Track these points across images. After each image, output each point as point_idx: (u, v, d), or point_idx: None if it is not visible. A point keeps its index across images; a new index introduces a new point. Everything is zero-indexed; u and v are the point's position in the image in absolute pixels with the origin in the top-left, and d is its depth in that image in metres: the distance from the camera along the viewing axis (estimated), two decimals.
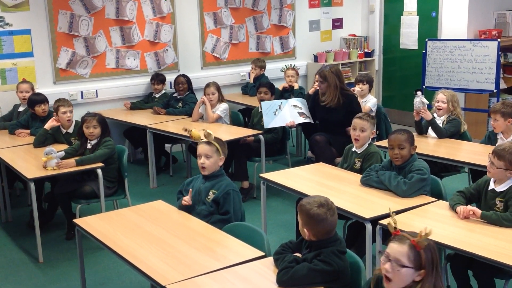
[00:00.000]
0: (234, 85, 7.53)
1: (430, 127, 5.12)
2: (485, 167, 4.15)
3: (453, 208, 3.39)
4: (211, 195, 3.61)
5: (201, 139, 3.72)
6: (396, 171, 3.84)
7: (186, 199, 3.62)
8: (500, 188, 3.35)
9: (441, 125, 5.09)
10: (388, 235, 3.36)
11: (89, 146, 4.80)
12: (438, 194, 3.79)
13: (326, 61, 8.04)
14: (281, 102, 5.81)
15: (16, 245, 4.82)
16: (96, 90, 6.69)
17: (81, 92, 6.59)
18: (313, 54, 8.17)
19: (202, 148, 3.67)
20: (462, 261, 3.32)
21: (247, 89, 7.34)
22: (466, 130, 5.15)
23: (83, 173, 4.68)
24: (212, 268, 2.79)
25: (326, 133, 5.49)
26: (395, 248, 2.26)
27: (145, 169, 6.39)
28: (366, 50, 8.44)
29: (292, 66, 7.24)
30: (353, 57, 8.28)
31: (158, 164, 6.44)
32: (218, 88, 6.04)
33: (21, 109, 5.87)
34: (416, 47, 8.01)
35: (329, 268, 2.60)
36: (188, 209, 3.63)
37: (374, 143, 4.52)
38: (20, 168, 4.59)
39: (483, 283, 3.24)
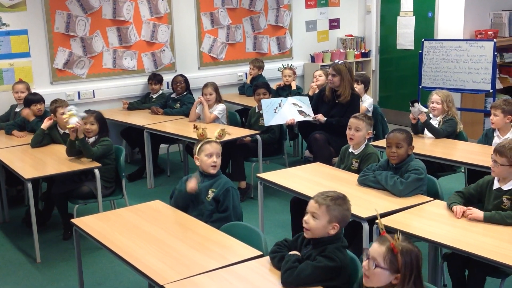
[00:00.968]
0: (231, 85, 7.54)
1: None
2: (481, 166, 4.21)
3: (449, 207, 3.40)
4: (210, 194, 3.64)
5: (208, 138, 3.74)
6: (392, 170, 3.85)
7: (193, 184, 3.60)
8: (507, 186, 3.35)
9: (437, 126, 5.12)
10: None
11: None
12: (434, 194, 3.80)
13: (322, 61, 8.05)
14: (281, 100, 5.83)
15: (14, 245, 4.82)
16: (93, 90, 6.69)
17: (78, 92, 6.59)
18: (310, 55, 8.19)
19: (214, 147, 3.72)
20: (459, 261, 3.34)
21: (244, 89, 7.35)
22: (462, 130, 5.17)
23: (80, 173, 4.69)
24: (210, 267, 2.80)
25: (325, 132, 5.51)
26: (375, 248, 2.31)
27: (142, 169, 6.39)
28: (362, 51, 8.46)
29: (290, 65, 7.26)
30: (350, 58, 8.29)
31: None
32: (216, 89, 6.05)
33: (18, 109, 5.86)
34: (412, 48, 8.03)
35: (333, 264, 2.61)
36: (188, 206, 3.65)
37: (371, 143, 4.54)
38: (17, 168, 4.59)
39: (477, 281, 3.25)
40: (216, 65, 7.55)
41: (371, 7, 8.52)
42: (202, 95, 6.03)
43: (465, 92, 7.12)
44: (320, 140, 5.45)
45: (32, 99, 5.53)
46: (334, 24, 8.55)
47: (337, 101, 5.64)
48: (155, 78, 6.76)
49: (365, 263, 2.32)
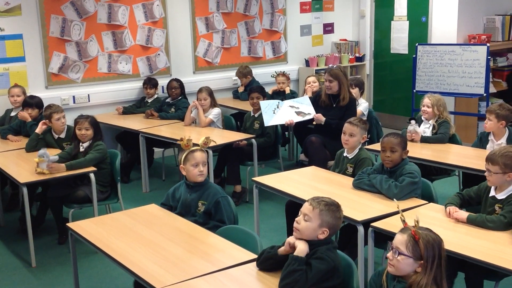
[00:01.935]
0: (226, 89, 7.56)
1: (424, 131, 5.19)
2: (476, 170, 4.24)
3: (445, 207, 3.43)
4: (201, 207, 3.62)
5: (193, 148, 3.72)
6: (387, 174, 3.87)
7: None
8: (501, 196, 3.37)
9: (430, 129, 5.15)
10: (380, 237, 3.42)
11: (81, 149, 4.81)
12: (429, 197, 3.83)
13: (317, 65, 8.08)
14: (279, 102, 5.88)
15: (9, 249, 4.81)
16: (88, 95, 6.69)
17: (73, 96, 6.59)
18: (305, 59, 8.22)
19: (200, 156, 3.67)
20: (452, 264, 3.36)
21: (238, 94, 7.36)
22: (455, 133, 5.21)
23: (75, 177, 4.68)
24: (206, 270, 2.80)
25: (321, 135, 5.54)
26: (398, 238, 2.40)
27: (137, 173, 6.39)
28: (357, 55, 8.50)
29: (283, 72, 7.27)
30: (344, 62, 8.33)
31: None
32: (210, 93, 6.07)
33: (13, 113, 5.87)
34: (406, 52, 8.08)
35: (327, 266, 2.62)
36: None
37: (365, 147, 4.56)
38: (12, 172, 4.59)
39: (474, 285, 3.27)
40: (211, 69, 7.56)
41: (365, 11, 8.57)
42: (197, 100, 6.05)
43: (458, 96, 7.17)
44: (316, 143, 5.48)
45: (30, 102, 5.56)
46: (328, 28, 8.59)
47: (334, 105, 5.67)
48: (150, 83, 6.77)
49: (389, 254, 2.40)
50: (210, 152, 5.15)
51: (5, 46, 6.15)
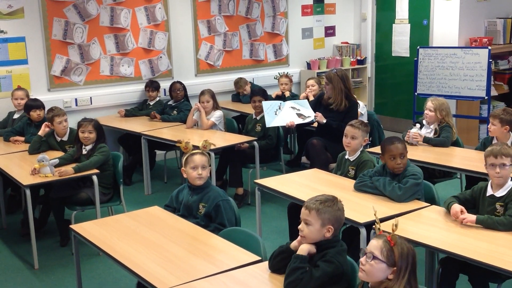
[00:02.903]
0: (228, 92, 7.56)
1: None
2: (478, 172, 4.24)
3: (448, 207, 3.44)
4: (201, 209, 3.63)
5: (193, 151, 3.73)
6: (389, 176, 3.88)
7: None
8: (500, 193, 3.39)
9: (431, 134, 5.15)
10: None
11: (84, 151, 4.82)
12: (431, 199, 3.83)
13: (319, 68, 8.10)
14: (280, 103, 5.89)
15: (11, 251, 4.82)
16: (91, 97, 6.71)
17: (76, 99, 6.61)
18: (306, 62, 8.24)
19: (199, 159, 3.67)
20: (454, 266, 3.36)
21: (238, 97, 7.36)
22: (458, 136, 5.21)
23: (78, 179, 4.69)
24: (209, 272, 2.81)
25: (322, 138, 5.54)
26: (373, 243, 2.36)
27: (139, 176, 6.40)
28: (358, 58, 8.52)
29: (286, 73, 7.29)
30: (346, 65, 8.34)
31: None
32: (212, 96, 6.08)
33: (15, 116, 5.88)
34: (408, 55, 8.09)
35: (335, 269, 2.62)
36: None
37: (366, 150, 4.57)
38: (15, 175, 4.60)
39: (480, 286, 3.28)
40: (213, 72, 7.58)
41: (366, 14, 8.59)
42: (199, 102, 6.06)
43: (460, 99, 7.17)
44: (317, 146, 5.48)
45: (32, 104, 5.55)
46: (330, 31, 8.60)
47: (334, 109, 5.67)
48: (152, 85, 6.78)
49: (362, 259, 2.36)
50: (212, 154, 5.16)
51: (7, 48, 6.17)
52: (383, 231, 2.40)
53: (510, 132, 4.70)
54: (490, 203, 3.42)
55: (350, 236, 3.85)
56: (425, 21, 7.83)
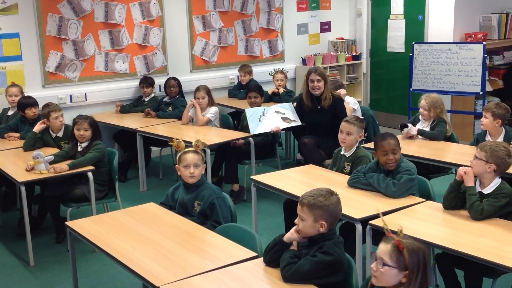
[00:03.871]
0: (223, 88, 7.56)
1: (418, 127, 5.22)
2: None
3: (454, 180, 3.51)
4: (196, 207, 3.63)
5: (186, 149, 3.73)
6: (383, 172, 3.88)
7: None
8: (486, 190, 3.41)
9: (427, 129, 5.17)
10: (378, 235, 3.43)
11: (79, 149, 4.81)
12: (426, 195, 3.84)
13: (314, 64, 8.09)
14: (264, 109, 5.87)
15: (7, 249, 4.81)
16: (85, 94, 6.69)
17: (70, 95, 6.58)
18: (302, 57, 8.23)
19: (191, 158, 3.66)
20: (450, 260, 3.38)
21: (236, 92, 7.35)
22: (452, 132, 5.22)
23: (73, 176, 4.68)
24: (205, 268, 2.82)
25: (314, 136, 5.54)
26: (381, 248, 2.31)
27: (135, 172, 6.39)
28: (353, 53, 8.52)
29: (281, 69, 7.29)
30: (341, 60, 8.34)
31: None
32: (208, 92, 6.07)
33: (10, 113, 5.86)
34: (403, 50, 8.09)
35: (332, 259, 2.64)
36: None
37: (362, 146, 4.58)
38: (10, 171, 4.58)
39: (473, 283, 3.29)
40: (208, 68, 7.56)
41: (361, 10, 8.58)
42: (195, 99, 6.05)
43: (455, 95, 7.18)
44: (309, 144, 5.47)
45: (27, 102, 5.51)
46: (325, 27, 8.60)
47: (319, 107, 5.64)
48: (146, 81, 6.76)
49: (373, 265, 2.31)
50: (208, 151, 5.16)
51: (1, 45, 6.14)
52: (391, 232, 2.35)
53: (503, 127, 4.73)
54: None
55: (347, 232, 3.85)
56: (420, 16, 7.83)
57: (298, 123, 5.76)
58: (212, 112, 6.04)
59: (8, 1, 6.11)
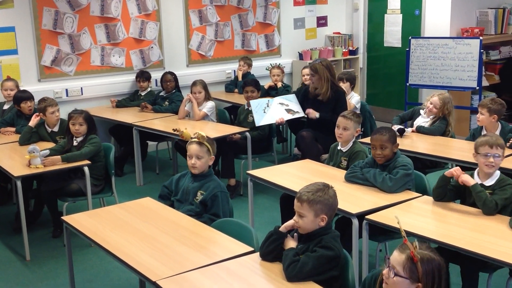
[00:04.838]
0: (219, 82, 7.54)
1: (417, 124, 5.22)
2: (469, 163, 4.26)
3: (442, 176, 3.53)
4: (199, 196, 3.64)
5: (192, 139, 3.75)
6: (380, 167, 3.89)
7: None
8: (488, 182, 3.43)
9: (427, 123, 5.17)
10: (374, 230, 3.44)
11: (75, 143, 4.79)
12: (423, 190, 3.85)
13: (311, 58, 8.08)
14: (268, 100, 5.86)
15: (3, 243, 4.80)
16: (81, 88, 6.66)
17: (66, 90, 6.56)
18: (298, 52, 8.22)
19: (193, 149, 3.69)
20: (446, 255, 3.38)
21: (233, 86, 7.34)
22: (453, 133, 5.22)
23: (69, 171, 4.67)
24: (202, 263, 2.81)
25: (312, 130, 5.54)
26: (395, 256, 2.24)
27: (131, 167, 6.38)
28: (350, 48, 8.51)
29: (278, 64, 7.27)
30: (338, 55, 8.34)
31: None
32: (204, 87, 6.06)
33: (5, 107, 5.84)
34: (400, 45, 8.09)
35: (332, 253, 2.65)
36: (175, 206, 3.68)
37: (359, 141, 4.58)
38: (6, 166, 4.57)
39: (469, 277, 3.30)
40: (204, 62, 7.55)
41: (358, 4, 8.57)
42: (191, 93, 6.04)
43: (451, 90, 7.17)
44: (307, 138, 5.48)
45: (22, 96, 5.49)
46: (322, 21, 8.58)
47: (320, 99, 5.66)
48: (143, 76, 6.74)
49: (385, 271, 2.25)
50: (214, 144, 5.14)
51: None
52: (407, 239, 2.27)
53: (499, 122, 4.73)
54: None
55: (343, 226, 3.85)
56: (417, 11, 7.83)
57: (302, 114, 5.75)
58: (208, 106, 6.03)
59: None
